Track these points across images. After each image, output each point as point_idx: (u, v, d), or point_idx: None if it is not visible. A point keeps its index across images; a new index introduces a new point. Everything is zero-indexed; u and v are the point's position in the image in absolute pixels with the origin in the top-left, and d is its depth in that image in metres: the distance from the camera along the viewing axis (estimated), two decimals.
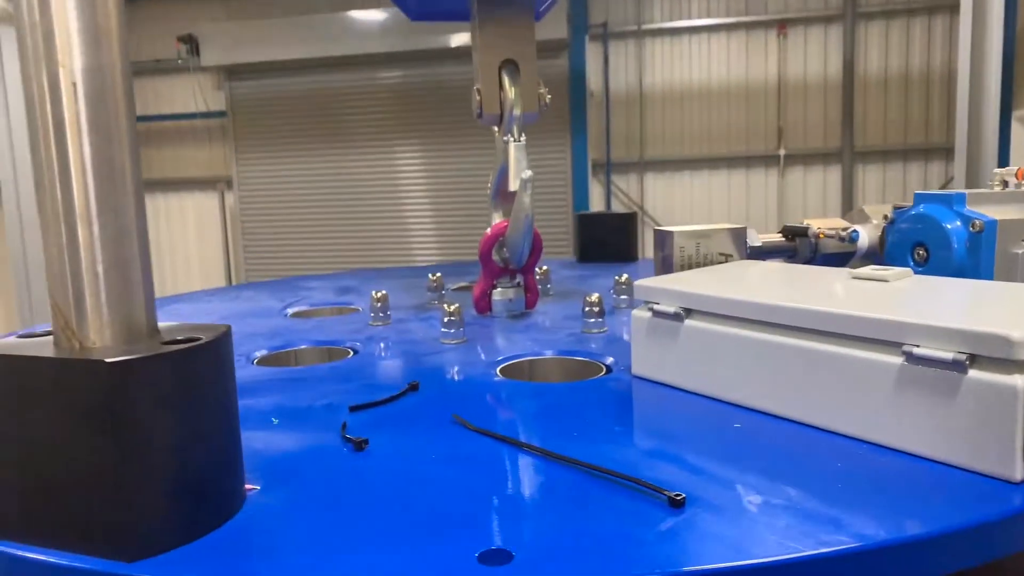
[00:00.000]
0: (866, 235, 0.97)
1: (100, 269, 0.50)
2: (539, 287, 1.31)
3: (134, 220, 0.52)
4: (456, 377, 0.90)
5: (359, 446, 0.66)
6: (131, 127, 0.52)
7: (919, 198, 0.88)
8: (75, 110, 0.49)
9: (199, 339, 0.51)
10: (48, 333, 0.53)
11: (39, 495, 0.49)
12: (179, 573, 0.47)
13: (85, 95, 0.49)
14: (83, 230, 0.50)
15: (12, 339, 0.53)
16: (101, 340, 0.50)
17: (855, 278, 0.76)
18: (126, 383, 0.47)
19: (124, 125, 0.51)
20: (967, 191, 0.83)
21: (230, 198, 5.34)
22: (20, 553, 0.49)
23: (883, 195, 4.81)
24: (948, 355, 0.56)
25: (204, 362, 0.51)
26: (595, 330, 1.07)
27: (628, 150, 5.01)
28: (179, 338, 0.51)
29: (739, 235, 0.95)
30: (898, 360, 0.59)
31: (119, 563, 0.47)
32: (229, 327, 0.55)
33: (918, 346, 0.57)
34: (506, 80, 1.16)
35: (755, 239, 0.98)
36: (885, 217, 0.93)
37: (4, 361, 0.49)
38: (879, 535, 0.48)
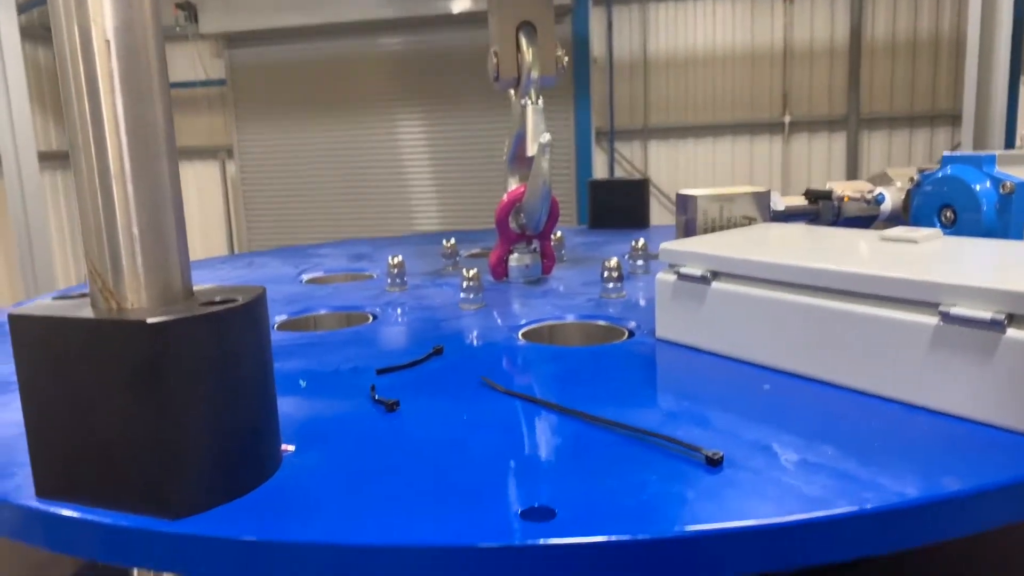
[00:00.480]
0: (890, 198, 0.96)
1: (136, 230, 0.50)
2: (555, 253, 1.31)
3: (168, 180, 0.52)
4: (478, 341, 0.90)
5: (391, 407, 0.66)
6: (163, 86, 0.51)
7: (947, 160, 0.87)
8: (108, 68, 0.48)
9: (236, 300, 0.51)
10: (83, 295, 0.53)
11: (82, 455, 0.49)
12: (222, 531, 0.47)
13: (118, 53, 0.48)
14: (118, 190, 0.49)
15: (48, 300, 0.53)
16: (139, 301, 0.50)
17: (884, 239, 0.76)
18: (167, 344, 0.47)
19: (156, 84, 0.51)
20: (998, 152, 0.83)
21: (231, 167, 5.30)
22: (65, 512, 0.49)
23: (888, 162, 4.78)
24: (986, 315, 0.55)
25: (242, 323, 0.51)
26: (614, 295, 1.06)
27: (632, 117, 4.96)
28: (216, 299, 0.51)
29: (762, 199, 0.95)
30: (933, 320, 0.59)
31: (163, 521, 0.48)
32: (264, 289, 0.55)
33: (955, 306, 0.57)
34: (523, 42, 1.14)
35: (778, 202, 0.97)
36: (911, 180, 0.92)
37: (43, 322, 0.49)
38: (919, 492, 0.48)
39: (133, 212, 0.50)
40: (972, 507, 0.48)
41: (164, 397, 0.47)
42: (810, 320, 0.67)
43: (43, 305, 0.51)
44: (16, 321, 0.49)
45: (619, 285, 1.06)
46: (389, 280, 1.21)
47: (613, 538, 0.44)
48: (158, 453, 0.47)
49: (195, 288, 0.54)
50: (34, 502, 0.51)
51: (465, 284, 1.06)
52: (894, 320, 0.61)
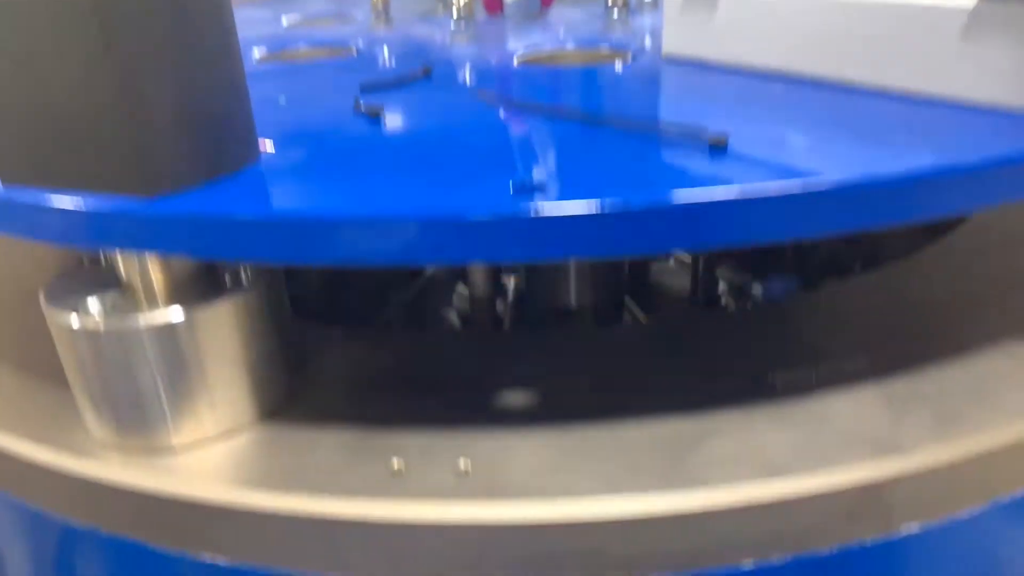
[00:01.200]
0: None
1: None
2: None
3: None
4: (471, 66, 0.84)
5: (374, 113, 0.62)
6: None
7: None
8: None
9: None
10: None
11: (41, 134, 0.46)
12: (202, 207, 0.45)
13: None
14: None
15: None
16: None
17: None
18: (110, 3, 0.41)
19: None
20: None
21: None
22: (44, 197, 0.47)
23: None
24: None
25: None
26: (619, 27, 0.98)
27: None
28: None
29: None
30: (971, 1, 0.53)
31: (137, 199, 0.45)
32: None
33: None
34: None
35: None
36: None
37: None
38: (938, 162, 0.45)
39: None
40: (988, 177, 0.46)
41: (118, 64, 0.42)
42: (835, 15, 0.61)
43: None
44: None
45: (624, 12, 0.98)
46: (374, 15, 1.11)
47: (607, 204, 0.41)
48: (121, 124, 0.44)
49: None
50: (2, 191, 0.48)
51: (456, 14, 0.97)
52: (928, 5, 0.55)
